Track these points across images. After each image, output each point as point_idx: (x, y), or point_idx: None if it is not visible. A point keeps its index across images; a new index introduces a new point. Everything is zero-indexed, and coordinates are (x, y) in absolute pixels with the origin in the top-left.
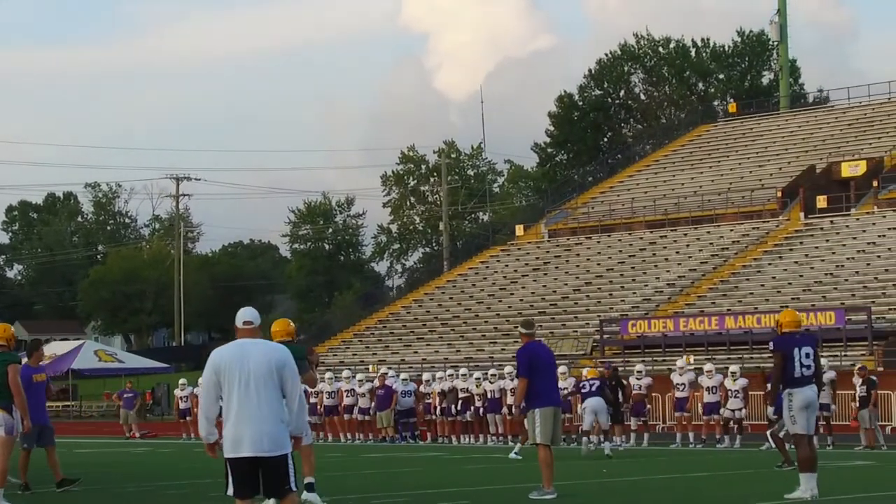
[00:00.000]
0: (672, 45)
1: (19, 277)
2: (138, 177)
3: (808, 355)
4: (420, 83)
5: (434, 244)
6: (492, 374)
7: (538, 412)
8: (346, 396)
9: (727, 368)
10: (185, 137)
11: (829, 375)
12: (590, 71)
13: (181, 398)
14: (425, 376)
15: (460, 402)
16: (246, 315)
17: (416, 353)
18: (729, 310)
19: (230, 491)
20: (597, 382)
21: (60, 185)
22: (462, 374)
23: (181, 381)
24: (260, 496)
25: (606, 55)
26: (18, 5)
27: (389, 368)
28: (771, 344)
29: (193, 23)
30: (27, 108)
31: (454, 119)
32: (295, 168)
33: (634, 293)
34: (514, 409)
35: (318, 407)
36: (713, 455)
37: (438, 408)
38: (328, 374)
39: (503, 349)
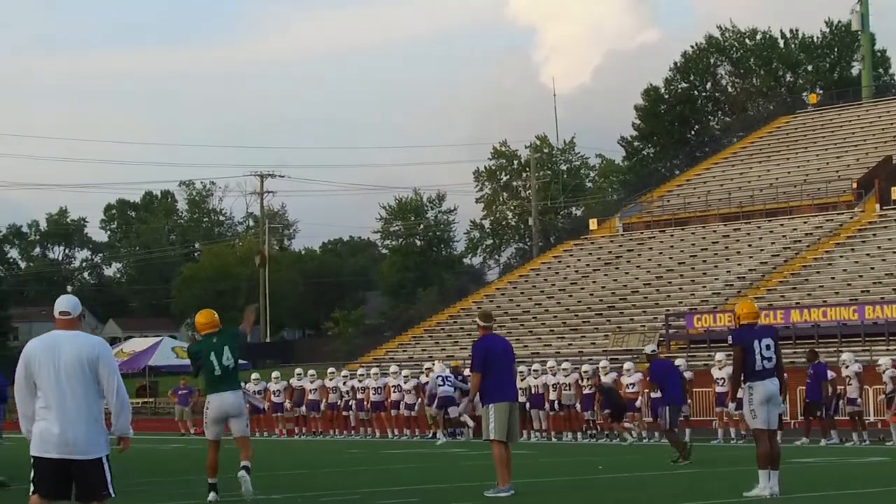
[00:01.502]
0: (759, 37)
1: (118, 275)
2: (234, 174)
3: (768, 347)
4: (526, 77)
5: (527, 239)
6: (534, 370)
7: (492, 407)
8: (393, 392)
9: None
10: (284, 134)
11: (853, 369)
12: (675, 64)
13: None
14: (467, 371)
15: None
16: (62, 304)
17: None
18: (798, 303)
19: (32, 490)
20: None
21: (158, 183)
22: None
23: (253, 376)
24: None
25: (692, 47)
26: (123, 9)
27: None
28: (729, 338)
29: (294, 21)
30: (126, 108)
31: (560, 113)
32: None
33: (704, 287)
34: (469, 404)
35: (365, 403)
36: (740, 451)
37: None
38: (374, 370)
39: (570, 344)
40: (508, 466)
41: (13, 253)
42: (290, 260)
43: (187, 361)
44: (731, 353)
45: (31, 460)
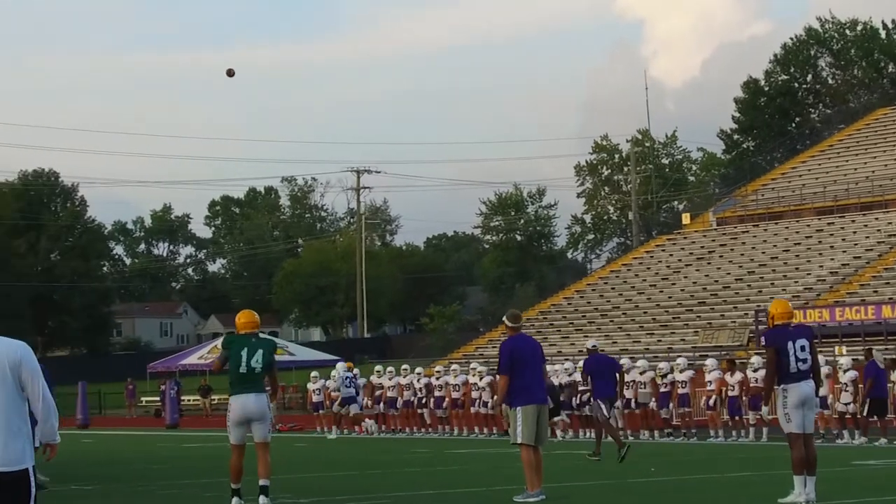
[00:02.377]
0: (860, 28)
1: (222, 271)
2: (335, 170)
3: (803, 348)
4: (634, 71)
5: (629, 233)
6: None
7: (520, 410)
8: (474, 390)
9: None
10: (386, 130)
11: None
12: (775, 56)
13: (314, 391)
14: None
15: (579, 395)
16: None
17: (572, 344)
18: (891, 298)
19: None
20: None
21: (261, 179)
22: (579, 367)
23: (313, 374)
24: None
25: (791, 39)
26: (226, 7)
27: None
28: (762, 339)
29: (397, 17)
30: (229, 105)
31: (669, 107)
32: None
33: (796, 282)
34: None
35: (446, 399)
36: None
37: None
38: (454, 367)
39: (659, 340)
40: (538, 471)
41: (118, 249)
42: (391, 255)
43: (282, 357)
44: (843, 349)
45: None
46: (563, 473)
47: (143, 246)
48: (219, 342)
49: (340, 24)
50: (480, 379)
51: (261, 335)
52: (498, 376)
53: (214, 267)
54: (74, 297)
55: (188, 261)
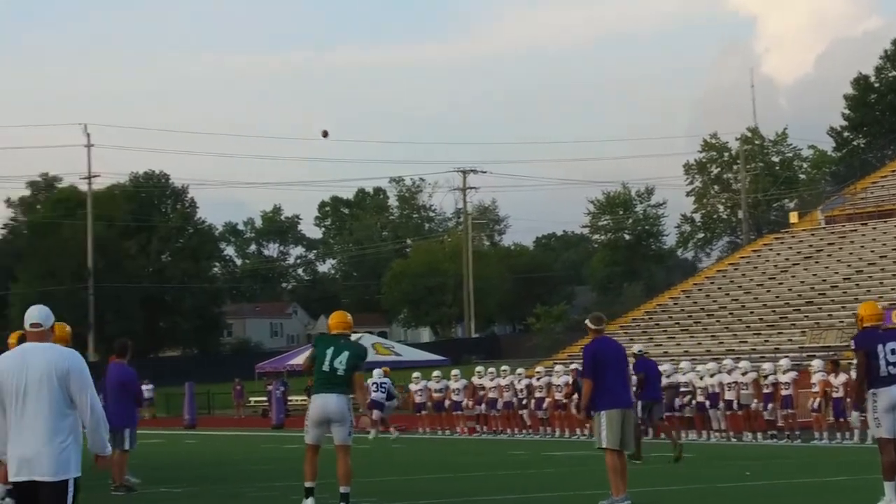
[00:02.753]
0: None
1: (332, 271)
2: (442, 170)
3: (893, 351)
4: (746, 68)
5: (738, 232)
6: (708, 368)
7: (604, 414)
8: (557, 391)
9: None
10: (496, 130)
11: None
12: (885, 52)
13: (416, 392)
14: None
15: (681, 396)
16: (33, 316)
17: (678, 344)
18: None
19: None
20: None
21: (370, 179)
22: (680, 368)
23: (415, 375)
24: None
25: None
26: (335, 7)
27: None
28: (852, 342)
29: (505, 17)
30: (339, 106)
31: (781, 104)
32: (613, 158)
33: None
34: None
35: (548, 400)
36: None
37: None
38: (557, 367)
39: (766, 341)
40: (623, 476)
41: (229, 250)
42: (499, 255)
43: (388, 358)
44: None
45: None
46: (652, 477)
47: (253, 247)
48: None
49: (450, 24)
50: (557, 378)
51: (352, 338)
52: (581, 380)
53: (324, 267)
54: (185, 297)
55: (298, 261)
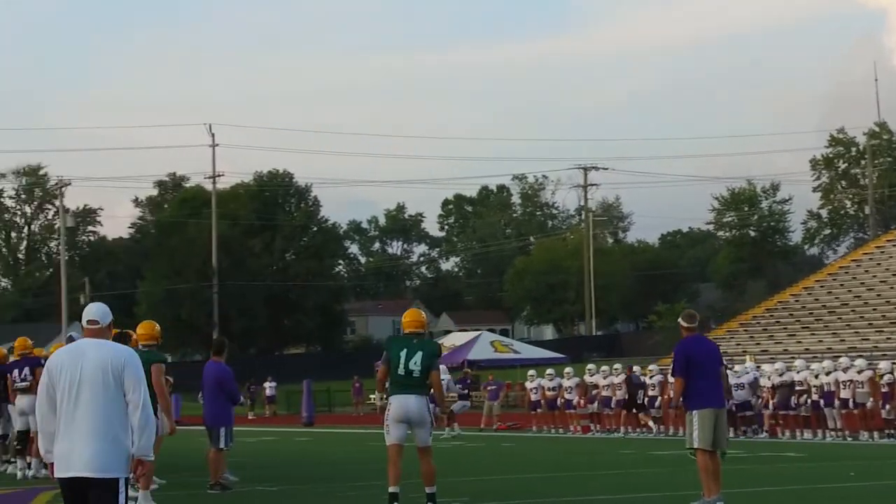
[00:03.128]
0: None
1: (455, 269)
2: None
3: None
4: (878, 62)
5: (866, 228)
6: (823, 367)
7: (696, 414)
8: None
9: None
10: (620, 127)
11: None
12: None
13: (531, 390)
14: (765, 367)
15: (797, 395)
16: (90, 312)
17: (799, 342)
18: None
19: None
20: None
21: (493, 177)
22: (794, 366)
23: (530, 373)
24: None
25: None
26: (452, 6)
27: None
28: None
29: (624, 12)
30: (461, 104)
31: None
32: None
33: None
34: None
35: (659, 399)
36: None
37: (771, 402)
38: (652, 366)
39: (889, 338)
40: (716, 477)
41: (353, 248)
42: (623, 252)
43: (507, 355)
44: None
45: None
46: (752, 478)
47: (377, 245)
48: (443, 339)
49: (571, 22)
50: (650, 377)
51: (424, 337)
52: (673, 378)
53: (448, 265)
54: (308, 295)
55: (421, 259)
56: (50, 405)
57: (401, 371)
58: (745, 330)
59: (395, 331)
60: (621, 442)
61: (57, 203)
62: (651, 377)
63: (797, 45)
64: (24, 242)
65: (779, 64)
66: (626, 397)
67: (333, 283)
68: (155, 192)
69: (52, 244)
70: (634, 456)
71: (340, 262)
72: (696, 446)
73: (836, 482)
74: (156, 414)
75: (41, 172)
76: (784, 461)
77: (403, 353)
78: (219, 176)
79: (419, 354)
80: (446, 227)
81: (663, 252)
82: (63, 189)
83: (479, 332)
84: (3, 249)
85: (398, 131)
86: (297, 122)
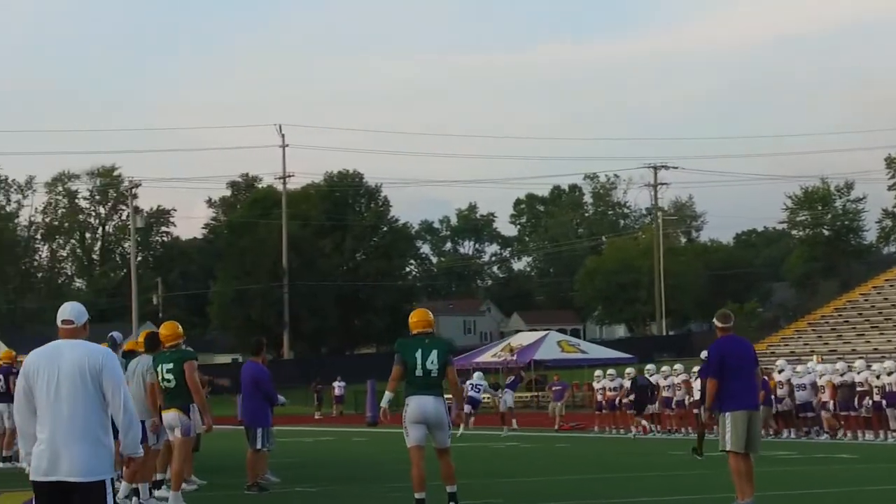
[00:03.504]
0: None
1: (528, 269)
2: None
3: None
4: None
5: None
6: (885, 367)
7: (729, 416)
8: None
9: None
10: (692, 125)
11: None
12: None
13: (598, 390)
14: (819, 367)
15: (858, 396)
16: (65, 312)
17: (867, 342)
18: None
19: None
20: None
21: (565, 176)
22: (854, 367)
23: (596, 373)
24: None
25: None
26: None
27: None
28: None
29: (698, 12)
30: (532, 103)
31: None
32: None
33: None
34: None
35: None
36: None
37: (831, 402)
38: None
39: None
40: (749, 479)
41: (425, 248)
42: (695, 251)
43: (574, 355)
44: None
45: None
46: (798, 479)
47: (449, 245)
48: (510, 339)
49: (644, 21)
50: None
51: (434, 335)
52: (707, 379)
53: (520, 265)
54: (378, 295)
55: (493, 259)
56: (28, 408)
57: (418, 372)
58: (814, 330)
59: (464, 330)
60: (678, 443)
61: (131, 204)
62: (666, 378)
63: (872, 42)
64: (99, 243)
65: (854, 61)
66: (633, 399)
67: (403, 283)
68: (228, 192)
69: (126, 245)
70: (684, 457)
71: (411, 262)
72: (728, 448)
73: (884, 484)
74: (187, 414)
75: (115, 173)
76: (837, 462)
77: (419, 354)
78: (289, 176)
79: (434, 353)
80: (518, 226)
81: (736, 251)
82: (134, 190)
83: (546, 332)
84: (78, 250)
85: (470, 131)
86: (370, 122)
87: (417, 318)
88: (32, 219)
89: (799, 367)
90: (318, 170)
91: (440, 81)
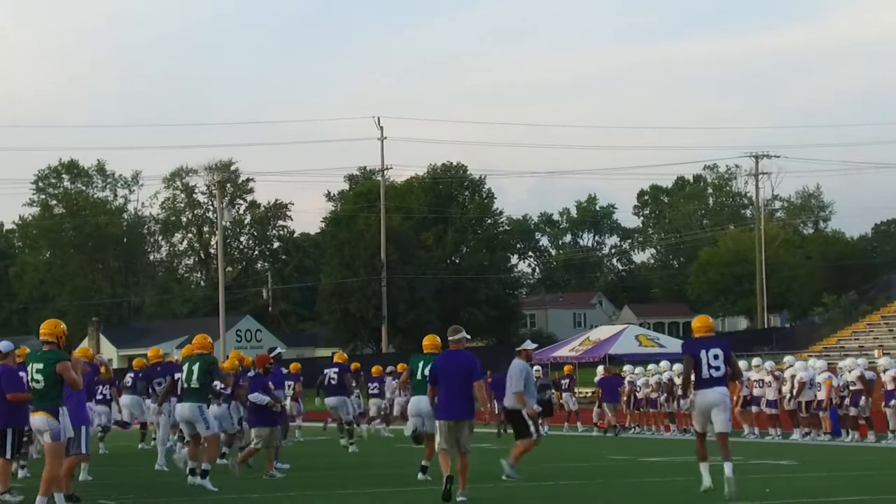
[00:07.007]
0: None
1: (650, 261)
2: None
3: None
4: None
5: None
6: None
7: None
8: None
9: None
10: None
11: None
12: None
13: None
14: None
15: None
16: None
17: None
18: None
19: None
20: None
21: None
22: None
23: (627, 367)
24: None
25: None
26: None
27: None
28: None
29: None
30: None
31: None
32: None
33: None
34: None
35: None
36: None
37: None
38: (811, 360)
39: None
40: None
41: (544, 240)
42: (816, 242)
43: (651, 349)
44: None
45: None
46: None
47: (568, 237)
48: (589, 333)
49: (784, 12)
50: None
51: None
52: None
53: (643, 257)
54: (481, 288)
55: (612, 251)
56: None
57: (419, 377)
58: (886, 323)
59: (574, 324)
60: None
61: (247, 198)
62: (651, 376)
63: None
64: (216, 237)
65: None
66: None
67: (507, 276)
68: (346, 186)
69: (243, 238)
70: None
71: (530, 254)
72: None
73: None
74: (56, 418)
75: (232, 168)
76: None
77: (421, 364)
78: (388, 169)
79: (421, 364)
80: (642, 217)
81: (859, 242)
82: (249, 184)
83: (625, 326)
84: (196, 245)
85: (593, 121)
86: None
87: (429, 342)
88: (139, 212)
89: (840, 364)
90: (431, 162)
91: (553, 73)
